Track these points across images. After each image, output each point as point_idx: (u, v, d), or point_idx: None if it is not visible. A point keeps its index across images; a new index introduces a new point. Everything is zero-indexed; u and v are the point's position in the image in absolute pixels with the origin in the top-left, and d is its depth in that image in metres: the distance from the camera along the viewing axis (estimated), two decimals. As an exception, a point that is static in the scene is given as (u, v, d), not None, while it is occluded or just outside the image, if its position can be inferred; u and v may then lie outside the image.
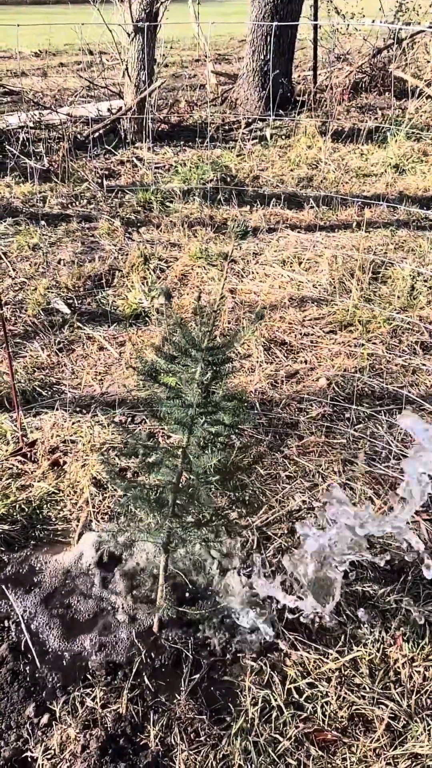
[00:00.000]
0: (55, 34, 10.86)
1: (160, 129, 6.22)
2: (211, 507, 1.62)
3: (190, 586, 1.89)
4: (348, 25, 7.52)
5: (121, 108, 5.98)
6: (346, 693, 1.66)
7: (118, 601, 1.89)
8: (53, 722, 1.60)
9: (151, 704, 1.64)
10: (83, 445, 2.43)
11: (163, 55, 8.73)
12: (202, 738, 1.58)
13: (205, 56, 8.38)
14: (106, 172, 5.21)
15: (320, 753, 1.55)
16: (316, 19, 7.03)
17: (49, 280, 3.66)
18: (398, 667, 1.72)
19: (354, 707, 1.64)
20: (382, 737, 1.58)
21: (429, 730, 1.59)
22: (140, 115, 5.68)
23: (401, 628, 1.79)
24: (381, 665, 1.72)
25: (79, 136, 5.73)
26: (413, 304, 3.36)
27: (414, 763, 1.54)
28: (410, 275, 3.54)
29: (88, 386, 2.84)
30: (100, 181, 4.98)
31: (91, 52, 9.06)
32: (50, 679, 1.69)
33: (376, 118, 6.49)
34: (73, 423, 2.56)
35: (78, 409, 2.67)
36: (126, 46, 5.85)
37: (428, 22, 7.41)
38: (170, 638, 1.78)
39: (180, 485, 1.63)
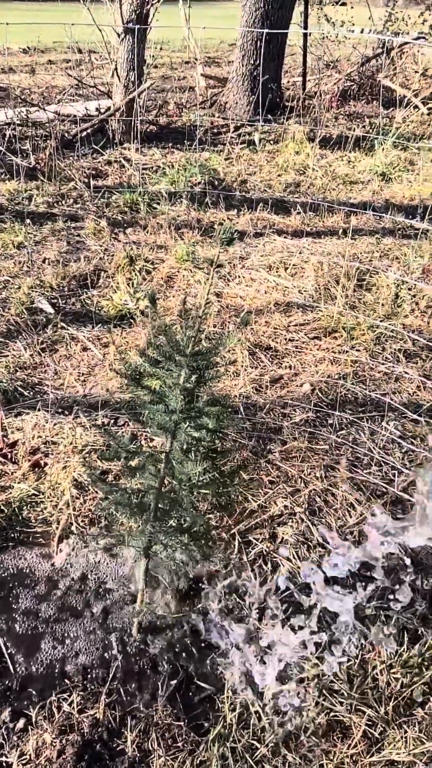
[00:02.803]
0: (44, 31, 10.81)
1: (148, 130, 6.22)
2: (193, 512, 1.62)
3: (171, 591, 1.89)
4: (338, 33, 7.58)
5: (109, 108, 5.96)
6: (324, 699, 1.66)
7: (97, 605, 1.87)
8: (29, 727, 1.59)
9: (129, 709, 1.63)
10: (65, 447, 2.41)
11: (153, 56, 8.72)
12: (180, 744, 1.57)
13: (195, 59, 8.39)
14: (94, 172, 5.19)
15: (298, 760, 1.55)
16: (306, 26, 7.07)
17: (34, 279, 3.63)
18: (376, 674, 1.72)
19: (332, 714, 1.64)
20: (359, 744, 1.58)
21: (406, 737, 1.60)
22: (129, 115, 5.67)
23: (380, 635, 1.80)
24: (359, 672, 1.73)
25: (66, 134, 5.70)
26: (397, 312, 3.39)
27: (390, 770, 1.54)
28: (395, 283, 3.57)
29: (71, 387, 2.82)
30: (87, 180, 4.95)
31: (80, 51, 9.02)
32: (26, 684, 1.67)
33: (363, 126, 6.55)
34: (55, 424, 2.54)
35: (60, 410, 2.65)
36: (116, 46, 5.83)
37: (417, 31, 7.49)
38: (149, 643, 1.77)
39: (162, 490, 1.62)
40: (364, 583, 1.79)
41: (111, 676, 1.69)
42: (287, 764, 1.54)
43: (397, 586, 1.81)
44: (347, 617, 1.68)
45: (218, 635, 1.78)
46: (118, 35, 5.70)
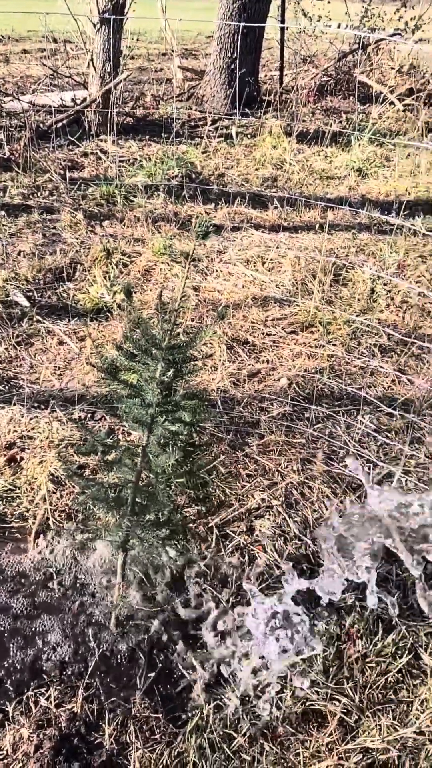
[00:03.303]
0: (19, 20, 10.63)
1: (125, 122, 6.16)
2: (170, 506, 1.62)
3: (148, 585, 1.89)
4: (315, 28, 7.59)
5: (85, 99, 5.90)
6: (300, 689, 1.68)
7: (74, 599, 1.87)
8: (6, 722, 1.58)
9: (106, 703, 1.64)
10: (41, 442, 2.39)
11: (130, 47, 8.64)
12: (157, 736, 1.58)
13: (173, 51, 8.34)
14: (69, 164, 5.13)
15: (274, 749, 1.57)
16: (283, 20, 7.07)
17: (8, 271, 3.58)
18: (351, 663, 1.75)
19: (308, 703, 1.66)
20: (335, 732, 1.61)
21: (380, 725, 1.63)
22: (105, 107, 5.61)
23: (355, 625, 1.83)
24: (335, 661, 1.75)
25: (41, 125, 5.62)
26: (373, 307, 3.42)
27: (365, 757, 1.57)
28: (370, 279, 3.60)
29: (47, 381, 2.80)
30: (62, 172, 4.90)
31: (55, 40, 8.89)
32: (2, 680, 1.66)
33: (340, 122, 6.58)
34: (31, 418, 2.52)
35: (36, 404, 2.62)
36: (91, 36, 5.77)
37: (393, 28, 7.54)
38: (127, 636, 1.77)
39: (139, 484, 1.62)
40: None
41: (88, 670, 1.69)
42: (264, 753, 1.56)
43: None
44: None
45: (196, 627, 1.79)
46: (94, 25, 5.63)
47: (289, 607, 1.65)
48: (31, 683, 1.66)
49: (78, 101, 6.06)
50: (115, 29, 5.60)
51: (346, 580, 1.57)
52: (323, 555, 1.58)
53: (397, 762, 1.57)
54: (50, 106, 5.89)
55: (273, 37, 8.22)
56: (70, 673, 1.68)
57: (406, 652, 1.78)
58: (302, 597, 1.77)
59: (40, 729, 1.56)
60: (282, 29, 7.21)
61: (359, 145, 5.67)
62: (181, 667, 1.72)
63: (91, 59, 5.79)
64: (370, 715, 1.65)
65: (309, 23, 7.55)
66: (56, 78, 7.20)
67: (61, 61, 7.80)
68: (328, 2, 7.76)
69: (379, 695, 1.70)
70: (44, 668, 1.69)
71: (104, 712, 1.62)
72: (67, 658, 1.71)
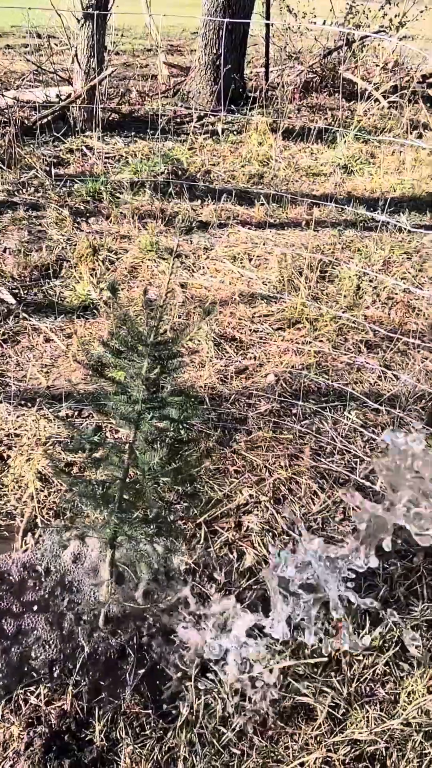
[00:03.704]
0: (1, 15, 10.52)
1: (110, 118, 6.13)
2: (158, 503, 1.62)
3: (137, 581, 1.89)
4: (300, 24, 7.59)
5: (70, 95, 5.86)
6: (289, 683, 1.70)
7: (63, 597, 1.87)
8: (-5, 721, 1.58)
9: (96, 700, 1.64)
10: (28, 439, 2.38)
11: (114, 43, 8.59)
12: (148, 731, 1.59)
13: (158, 47, 8.30)
14: (55, 160, 5.10)
15: (263, 742, 1.59)
16: (268, 16, 7.06)
17: (-6, 269, 3.56)
18: (339, 656, 1.77)
19: (297, 697, 1.68)
20: (323, 725, 1.63)
21: (367, 717, 1.65)
22: (90, 103, 5.58)
23: (342, 619, 1.84)
24: (323, 655, 1.77)
25: (26, 121, 5.58)
26: (359, 304, 3.44)
27: (353, 749, 1.59)
28: (356, 275, 3.62)
29: (34, 379, 2.78)
30: (48, 169, 4.87)
31: (39, 36, 8.81)
32: (-8, 678, 1.66)
33: (326, 119, 6.59)
34: (18, 416, 2.51)
35: (23, 402, 2.61)
36: (75, 31, 5.72)
37: (378, 25, 7.56)
38: (116, 633, 1.77)
39: (127, 481, 1.62)
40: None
41: (77, 667, 1.69)
42: (253, 747, 1.57)
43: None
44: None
45: (185, 623, 1.80)
46: (78, 20, 5.59)
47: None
48: (21, 681, 1.66)
49: (63, 97, 6.02)
50: (99, 24, 5.56)
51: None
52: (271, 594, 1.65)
53: (384, 753, 1.59)
54: (35, 102, 5.85)
55: (258, 34, 8.20)
56: (59, 670, 1.68)
57: (393, 645, 1.80)
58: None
59: (30, 727, 1.56)
60: (267, 26, 7.20)
61: (345, 142, 5.69)
62: (170, 664, 1.73)
63: (76, 55, 5.75)
64: (357, 707, 1.67)
65: (294, 20, 7.55)
66: (41, 74, 7.14)
67: (46, 57, 7.74)
68: (313, -1, 7.76)
69: (367, 688, 1.72)
70: (33, 666, 1.69)
71: (94, 709, 1.62)
72: (56, 656, 1.71)
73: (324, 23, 7.75)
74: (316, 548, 1.69)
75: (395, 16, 7.42)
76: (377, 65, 7.28)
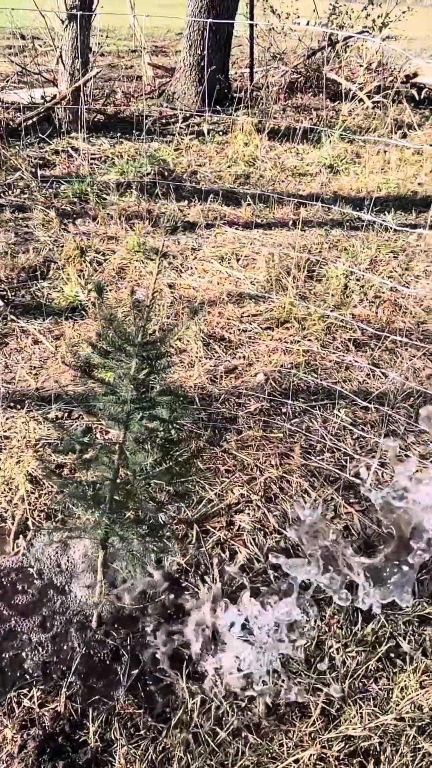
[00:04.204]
0: (-15, 16, 10.44)
1: (96, 119, 6.11)
2: (148, 502, 1.62)
3: (129, 582, 1.89)
4: (283, 25, 7.61)
5: (55, 96, 5.84)
6: (282, 681, 1.70)
7: (56, 598, 1.86)
8: (-12, 725, 1.57)
9: (90, 701, 1.64)
10: (18, 442, 2.37)
11: (99, 44, 8.56)
12: (142, 732, 1.58)
13: (142, 48, 8.29)
14: (41, 162, 5.08)
15: (258, 740, 1.59)
16: (252, 16, 7.08)
17: (-19, 271, 3.54)
18: (333, 653, 1.78)
19: (290, 694, 1.68)
20: (318, 721, 1.63)
21: (361, 713, 1.66)
22: (75, 104, 5.56)
23: (335, 616, 1.85)
24: (317, 652, 1.78)
25: (11, 123, 5.55)
26: (346, 303, 3.46)
27: (347, 745, 1.60)
28: (343, 274, 3.64)
29: (23, 381, 2.77)
30: (34, 170, 4.85)
31: (23, 37, 8.77)
32: (-15, 682, 1.65)
33: (311, 119, 6.62)
34: (7, 419, 2.50)
35: (12, 404, 2.60)
36: (60, 32, 5.70)
37: (361, 25, 7.60)
38: (109, 634, 1.77)
39: (118, 481, 1.62)
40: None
41: (71, 669, 1.69)
42: (248, 745, 1.58)
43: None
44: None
45: (178, 623, 1.80)
46: (62, 21, 5.57)
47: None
48: (14, 684, 1.65)
49: (48, 98, 6.00)
50: (84, 26, 5.55)
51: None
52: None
53: (378, 748, 1.60)
54: (19, 104, 5.82)
55: (243, 35, 8.22)
56: (52, 672, 1.68)
57: (386, 640, 1.81)
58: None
59: (24, 729, 1.56)
60: (251, 26, 7.22)
61: (330, 141, 5.72)
62: (164, 664, 1.73)
63: (60, 56, 5.73)
64: (351, 703, 1.68)
65: (278, 20, 7.58)
66: (25, 75, 7.11)
67: (30, 58, 7.70)
68: (297, -1, 7.80)
69: (360, 684, 1.73)
70: (26, 669, 1.68)
71: (88, 710, 1.61)
72: (49, 658, 1.71)
73: (308, 24, 7.79)
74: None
75: (378, 16, 7.47)
76: (361, 65, 7.32)
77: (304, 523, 1.59)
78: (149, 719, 1.61)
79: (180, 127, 6.00)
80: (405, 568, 1.47)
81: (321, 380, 2.84)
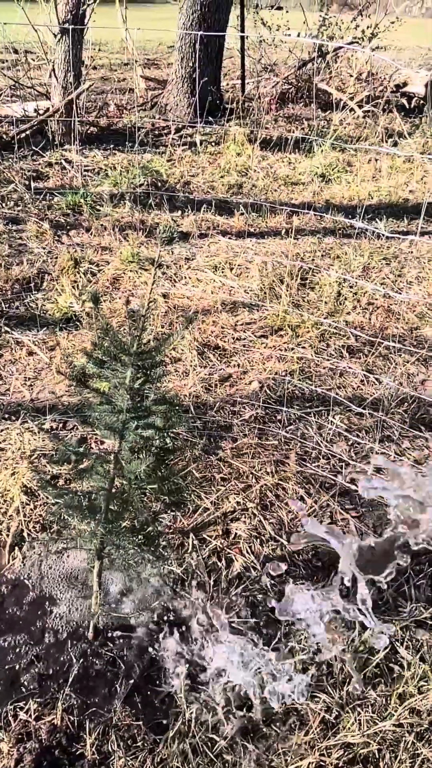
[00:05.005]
0: (-22, 31, 10.52)
1: (89, 132, 6.16)
2: (144, 512, 1.62)
3: (125, 592, 1.88)
4: (274, 37, 7.69)
5: (48, 109, 5.88)
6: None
7: (52, 610, 1.85)
8: (-16, 739, 1.56)
9: (87, 713, 1.62)
10: (13, 453, 2.37)
11: (92, 57, 8.63)
12: (139, 743, 1.57)
13: (135, 61, 8.37)
14: (34, 174, 5.10)
15: (256, 749, 1.58)
16: (243, 29, 7.16)
17: (-25, 283, 3.54)
18: (330, 660, 1.77)
19: (288, 702, 1.67)
20: (316, 729, 1.62)
21: (360, 720, 1.65)
22: (68, 117, 5.60)
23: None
24: (314, 659, 1.77)
25: (4, 136, 5.59)
26: (340, 310, 3.47)
27: (346, 752, 1.59)
28: (337, 282, 3.66)
29: (17, 392, 2.77)
30: (27, 183, 4.87)
31: (16, 51, 8.84)
32: (-19, 695, 1.64)
33: (302, 129, 6.67)
34: (2, 430, 2.49)
35: (7, 415, 2.60)
36: (52, 46, 5.75)
37: (351, 36, 7.69)
38: (105, 645, 1.76)
39: (113, 491, 1.62)
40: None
41: (68, 681, 1.68)
42: (247, 754, 1.57)
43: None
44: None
45: (174, 633, 1.79)
46: (55, 35, 5.62)
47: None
48: (10, 697, 1.64)
49: (41, 111, 6.04)
50: (76, 39, 5.60)
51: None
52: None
53: (377, 755, 1.59)
54: (13, 117, 5.86)
55: (234, 47, 8.30)
56: (49, 685, 1.67)
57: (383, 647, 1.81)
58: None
59: (20, 743, 1.54)
60: (242, 38, 7.29)
61: (322, 151, 5.76)
62: (161, 675, 1.72)
63: (53, 69, 5.78)
64: (349, 710, 1.67)
65: (268, 32, 7.65)
66: (18, 88, 7.16)
67: (23, 72, 7.76)
68: (287, 11, 7.88)
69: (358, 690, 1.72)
70: (22, 682, 1.67)
71: (85, 722, 1.60)
72: (45, 671, 1.70)
73: (298, 35, 7.87)
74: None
75: (367, 27, 7.56)
76: (351, 76, 7.40)
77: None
78: (147, 730, 1.60)
79: (173, 139, 6.04)
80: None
81: (315, 387, 2.85)
